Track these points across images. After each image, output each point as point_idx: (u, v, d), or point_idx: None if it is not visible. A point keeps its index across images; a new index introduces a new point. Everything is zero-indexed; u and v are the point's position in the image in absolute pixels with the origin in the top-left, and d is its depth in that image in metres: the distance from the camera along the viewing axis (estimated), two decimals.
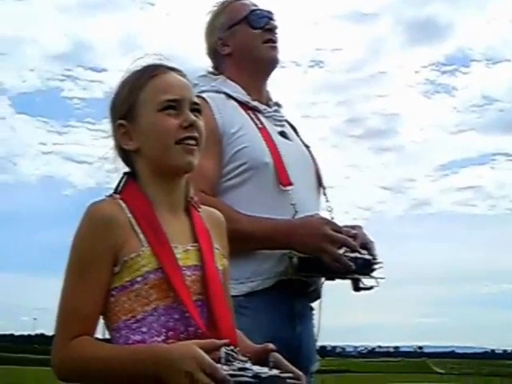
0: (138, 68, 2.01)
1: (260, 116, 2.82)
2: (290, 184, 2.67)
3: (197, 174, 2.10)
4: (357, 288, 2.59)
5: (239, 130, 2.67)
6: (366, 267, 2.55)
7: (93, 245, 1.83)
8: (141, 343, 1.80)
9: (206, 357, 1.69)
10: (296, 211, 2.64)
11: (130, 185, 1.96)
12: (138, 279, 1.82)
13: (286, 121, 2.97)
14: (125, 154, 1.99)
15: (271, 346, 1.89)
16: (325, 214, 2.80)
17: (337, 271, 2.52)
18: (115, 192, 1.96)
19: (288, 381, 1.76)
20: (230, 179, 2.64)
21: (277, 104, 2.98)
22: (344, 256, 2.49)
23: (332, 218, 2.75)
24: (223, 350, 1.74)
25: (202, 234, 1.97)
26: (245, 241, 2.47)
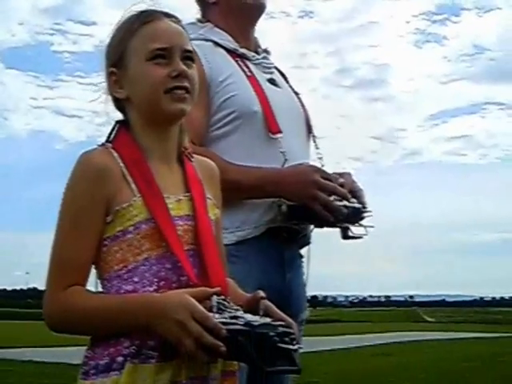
0: (132, 13, 1.98)
1: (249, 63, 2.78)
2: (279, 132, 2.65)
3: (186, 124, 2.09)
4: (346, 236, 2.59)
5: (227, 78, 2.64)
6: (355, 215, 2.56)
7: (85, 194, 1.83)
8: (132, 293, 1.80)
9: (198, 305, 1.71)
10: (286, 159, 2.62)
11: (122, 134, 1.95)
12: (130, 229, 1.82)
13: (276, 68, 2.94)
14: (118, 102, 1.98)
15: (261, 293, 1.90)
16: (315, 162, 2.79)
17: (326, 219, 2.51)
18: (107, 141, 1.95)
19: (279, 328, 1.76)
20: (218, 128, 2.61)
21: (265, 51, 2.93)
22: (334, 203, 2.49)
23: (322, 166, 2.74)
24: (215, 298, 1.76)
25: (195, 183, 1.96)
26: (233, 190, 2.42)
